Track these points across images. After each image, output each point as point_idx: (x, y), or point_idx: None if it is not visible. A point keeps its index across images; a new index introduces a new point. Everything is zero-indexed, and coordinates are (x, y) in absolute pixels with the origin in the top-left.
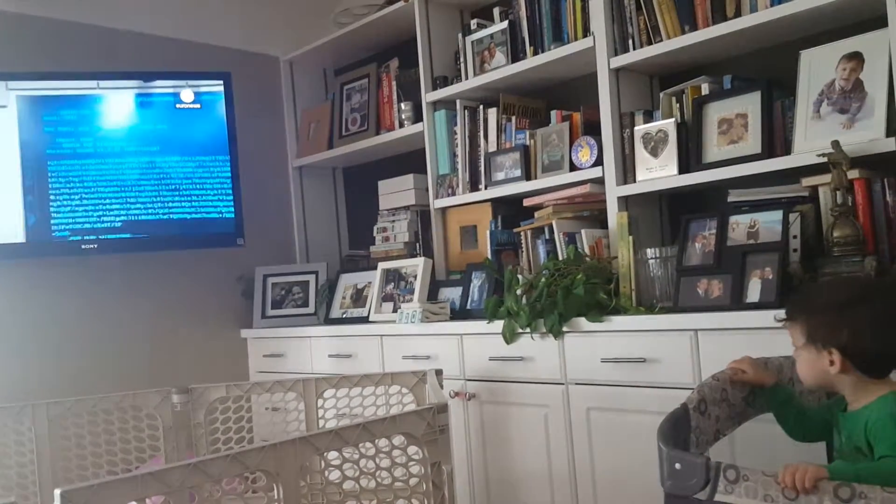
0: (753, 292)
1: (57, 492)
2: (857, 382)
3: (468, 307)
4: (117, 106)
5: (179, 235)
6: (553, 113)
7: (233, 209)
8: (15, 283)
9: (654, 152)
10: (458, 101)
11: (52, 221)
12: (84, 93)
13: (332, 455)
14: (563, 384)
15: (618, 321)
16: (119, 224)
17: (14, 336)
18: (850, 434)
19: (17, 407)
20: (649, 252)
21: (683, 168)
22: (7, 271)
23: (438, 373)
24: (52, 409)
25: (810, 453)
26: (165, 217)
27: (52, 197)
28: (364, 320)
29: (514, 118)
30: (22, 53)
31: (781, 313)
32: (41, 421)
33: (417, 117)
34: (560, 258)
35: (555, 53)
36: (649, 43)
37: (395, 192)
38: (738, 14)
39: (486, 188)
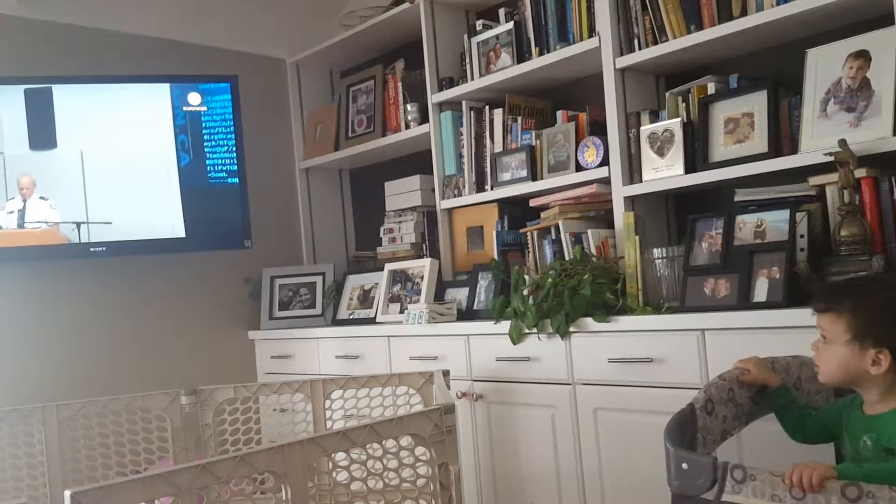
0: (760, 292)
1: (67, 493)
2: (892, 385)
3: (475, 308)
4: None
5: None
6: (559, 113)
7: (240, 210)
8: (21, 286)
9: (661, 152)
10: (463, 102)
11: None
12: None
13: (340, 456)
14: (570, 384)
15: (624, 321)
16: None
17: (23, 338)
18: (879, 436)
19: (27, 409)
20: (656, 252)
21: (690, 168)
22: (13, 275)
23: (445, 373)
24: (61, 411)
25: (819, 453)
26: None
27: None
28: (371, 321)
29: (519, 119)
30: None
31: (820, 304)
32: (51, 423)
33: (423, 118)
34: (566, 258)
35: (560, 54)
36: (655, 43)
37: (402, 193)
38: (743, 13)
39: (492, 189)
